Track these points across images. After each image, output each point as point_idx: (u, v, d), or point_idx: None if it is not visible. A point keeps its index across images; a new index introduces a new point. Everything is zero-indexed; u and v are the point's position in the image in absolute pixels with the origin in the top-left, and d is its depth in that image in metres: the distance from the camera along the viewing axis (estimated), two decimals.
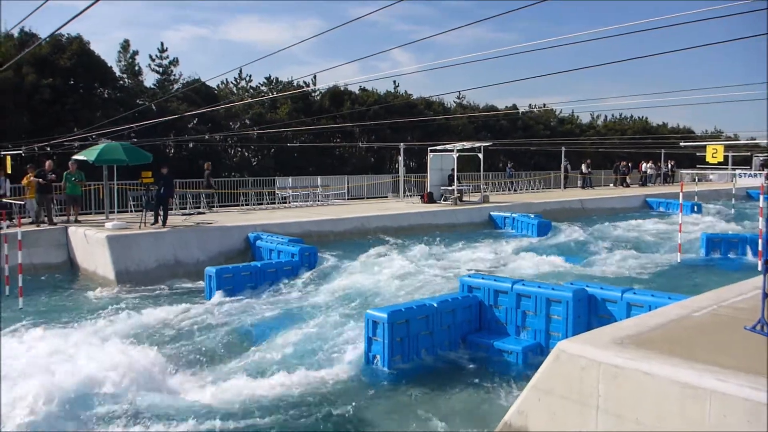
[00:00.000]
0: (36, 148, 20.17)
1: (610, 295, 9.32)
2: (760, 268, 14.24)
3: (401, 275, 14.52)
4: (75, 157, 18.27)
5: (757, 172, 45.46)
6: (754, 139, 38.96)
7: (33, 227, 16.78)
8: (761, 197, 15.32)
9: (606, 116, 60.05)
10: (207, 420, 7.14)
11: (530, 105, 50.98)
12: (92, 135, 20.19)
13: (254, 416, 7.29)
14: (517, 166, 40.30)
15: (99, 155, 17.13)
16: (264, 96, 36.37)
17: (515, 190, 34.87)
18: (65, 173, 18.18)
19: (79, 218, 18.22)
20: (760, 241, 15.07)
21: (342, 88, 37.51)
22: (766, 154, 47.75)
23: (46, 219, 17.54)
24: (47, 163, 18.08)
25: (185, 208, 22.25)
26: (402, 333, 8.98)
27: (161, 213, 17.23)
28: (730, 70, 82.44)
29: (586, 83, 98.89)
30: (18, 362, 8.38)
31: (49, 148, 20.49)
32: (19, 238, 13.33)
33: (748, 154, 50.97)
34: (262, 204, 25.26)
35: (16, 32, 26.52)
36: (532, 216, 22.61)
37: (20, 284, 12.69)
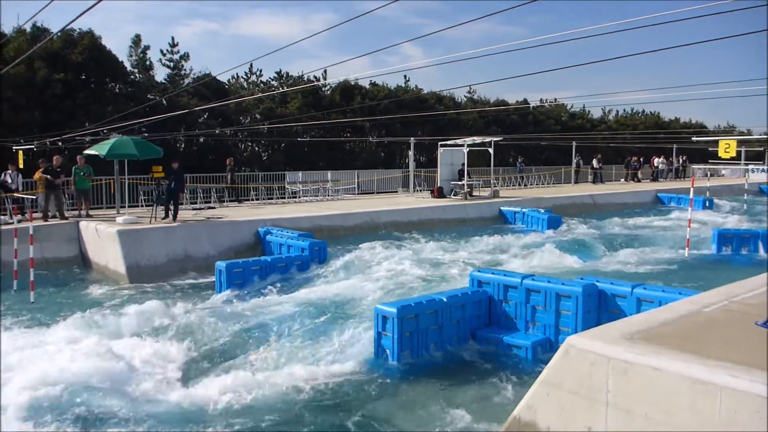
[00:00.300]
0: (48, 143, 20.30)
1: (620, 291, 9.28)
2: None
3: (410, 270, 14.53)
4: (86, 151, 18.37)
5: None
6: None
7: (43, 222, 16.87)
8: None
9: (617, 111, 59.82)
10: (216, 416, 7.17)
11: (541, 100, 50.96)
12: (103, 129, 20.33)
13: (265, 411, 7.31)
14: (527, 160, 40.20)
15: (110, 150, 17.22)
16: (274, 90, 36.42)
17: (525, 185, 34.75)
18: (74, 168, 18.28)
19: (91, 213, 18.32)
20: None
21: (352, 83, 37.53)
22: None
23: (57, 213, 17.64)
24: (55, 158, 18.17)
25: (196, 203, 22.34)
26: (411, 328, 8.97)
27: (172, 208, 17.30)
28: (744, 65, 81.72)
29: (597, 78, 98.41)
30: (22, 355, 8.47)
31: (60, 143, 20.62)
32: (31, 232, 13.43)
33: (762, 149, 50.55)
34: (272, 199, 25.31)
35: (28, 27, 26.70)
36: (543, 211, 22.55)
37: (32, 278, 12.78)
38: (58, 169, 17.81)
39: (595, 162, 37.69)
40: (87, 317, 10.99)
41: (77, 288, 14.42)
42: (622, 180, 39.85)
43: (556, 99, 50.51)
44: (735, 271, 14.22)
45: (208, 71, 33.84)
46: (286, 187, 26.19)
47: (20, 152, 19.44)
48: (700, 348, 5.30)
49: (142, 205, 20.78)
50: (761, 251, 16.68)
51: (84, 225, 16.92)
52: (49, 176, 17.48)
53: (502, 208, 24.12)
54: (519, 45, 12.50)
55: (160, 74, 34.22)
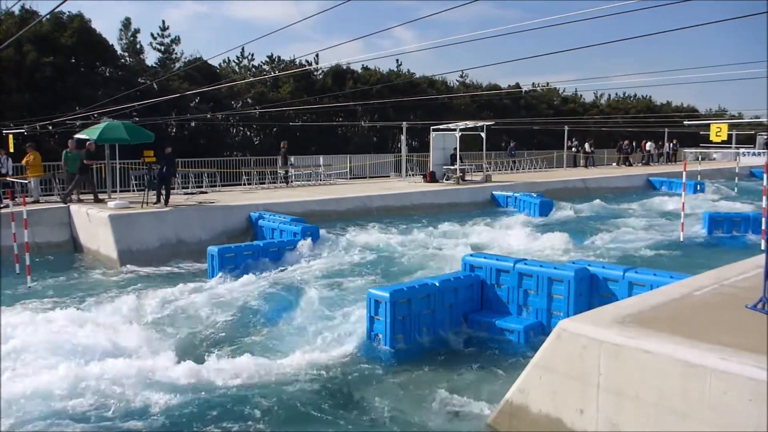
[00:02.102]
0: (38, 127, 20.15)
1: (612, 274, 9.32)
2: (763, 247, 14.31)
3: (403, 254, 14.57)
4: (77, 136, 18.27)
5: (760, 150, 45.24)
6: (759, 118, 38.77)
7: (35, 206, 16.79)
8: (765, 176, 15.27)
9: (609, 95, 59.84)
10: (208, 402, 7.18)
11: (533, 84, 50.81)
12: (94, 114, 20.16)
13: (255, 396, 7.33)
14: (519, 145, 40.17)
15: (101, 134, 17.10)
16: (266, 75, 36.21)
17: (518, 170, 34.75)
18: (65, 152, 18.18)
19: (81, 197, 18.25)
20: (763, 219, 15.05)
21: (345, 67, 37.32)
22: None
23: (86, 195, 18.22)
24: (89, 143, 18.21)
25: (188, 188, 22.26)
26: (404, 312, 8.99)
27: (163, 192, 17.22)
28: (736, 49, 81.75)
29: (589, 62, 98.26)
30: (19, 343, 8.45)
31: (50, 127, 20.46)
32: (25, 217, 13.37)
33: (752, 132, 50.71)
34: (264, 183, 25.23)
35: (16, 10, 26.42)
36: (535, 195, 22.59)
37: (27, 262, 12.76)
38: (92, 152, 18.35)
39: (587, 146, 37.73)
40: (80, 303, 10.98)
41: (70, 273, 14.37)
42: (614, 164, 39.91)
43: (548, 83, 50.52)
44: (725, 254, 14.30)
45: (199, 55, 33.55)
46: (278, 171, 26.12)
47: (10, 136, 19.29)
48: (690, 331, 5.35)
49: (133, 190, 20.68)
50: (751, 234, 16.78)
51: (75, 209, 16.84)
52: (87, 160, 18.07)
53: (494, 192, 24.16)
54: (511, 29, 12.47)
55: (151, 58, 33.95)
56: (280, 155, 25.50)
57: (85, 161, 18.02)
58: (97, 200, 17.81)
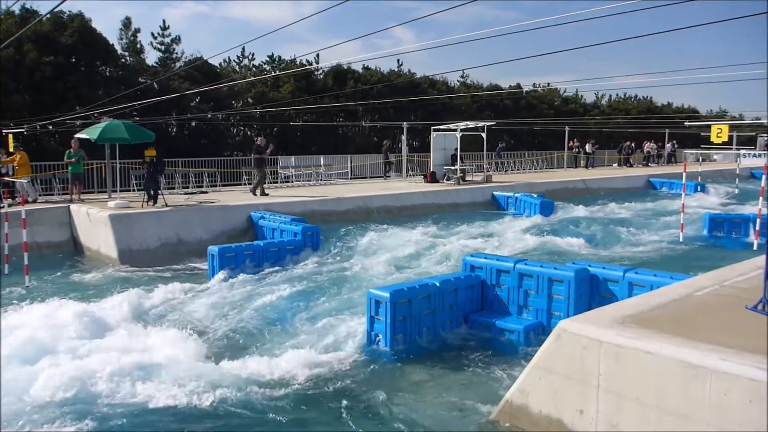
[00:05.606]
0: (38, 127, 20.14)
1: (612, 275, 9.32)
2: (755, 247, 14.32)
3: (403, 254, 14.56)
4: (77, 135, 18.24)
5: (761, 152, 45.15)
6: (759, 119, 38.66)
7: (34, 206, 16.79)
8: (763, 177, 15.28)
9: (610, 96, 59.82)
10: (206, 401, 7.17)
11: (534, 84, 50.81)
12: (94, 113, 20.15)
13: (254, 396, 7.31)
14: (519, 145, 39.94)
15: (101, 134, 17.08)
16: (266, 74, 36.21)
17: (506, 171, 34.42)
18: (67, 151, 18.18)
19: (82, 197, 18.24)
20: (758, 221, 15.07)
21: (345, 67, 37.32)
22: None
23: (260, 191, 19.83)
24: (259, 139, 19.63)
25: (188, 188, 22.24)
26: (404, 312, 8.99)
27: (158, 191, 17.09)
28: (737, 49, 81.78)
29: (590, 62, 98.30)
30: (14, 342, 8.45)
31: (51, 127, 20.46)
32: (23, 216, 13.37)
33: (753, 134, 50.64)
34: (264, 183, 25.17)
35: (17, 9, 26.43)
36: (535, 196, 22.56)
37: (26, 262, 12.76)
38: (268, 150, 20.05)
39: (588, 147, 37.68)
40: (79, 302, 10.96)
41: (70, 272, 14.36)
42: (615, 165, 39.86)
43: (549, 84, 50.52)
44: (725, 255, 14.29)
45: (199, 55, 33.56)
46: (279, 171, 26.09)
47: (10, 136, 19.27)
48: (691, 332, 5.35)
49: (133, 190, 20.67)
50: (751, 235, 16.76)
51: (75, 209, 16.83)
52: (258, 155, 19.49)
53: (494, 192, 24.13)
54: (511, 29, 12.46)
55: (151, 57, 33.94)
56: (383, 152, 28.56)
57: (257, 156, 19.80)
58: (264, 193, 19.91)
